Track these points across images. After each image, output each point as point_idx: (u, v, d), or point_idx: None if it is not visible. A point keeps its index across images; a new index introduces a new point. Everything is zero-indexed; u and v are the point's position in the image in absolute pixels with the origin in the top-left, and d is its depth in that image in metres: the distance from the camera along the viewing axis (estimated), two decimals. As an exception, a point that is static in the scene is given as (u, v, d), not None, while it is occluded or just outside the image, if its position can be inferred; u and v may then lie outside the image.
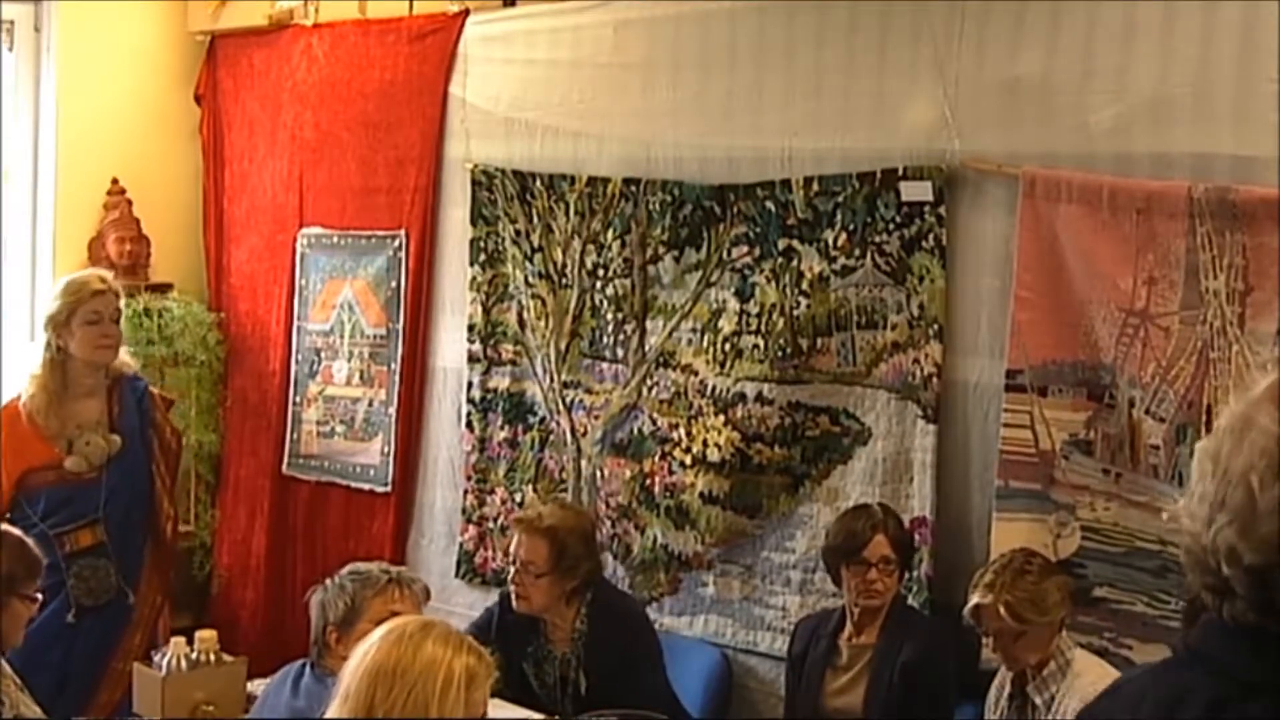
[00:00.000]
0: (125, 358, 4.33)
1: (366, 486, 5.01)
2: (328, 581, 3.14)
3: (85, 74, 5.34)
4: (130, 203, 5.37)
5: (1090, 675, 3.18)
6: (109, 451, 4.14)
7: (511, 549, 3.68)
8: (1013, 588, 3.18)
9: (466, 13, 4.77)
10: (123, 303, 4.27)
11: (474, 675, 2.32)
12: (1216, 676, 1.28)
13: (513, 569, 3.65)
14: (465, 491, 4.73)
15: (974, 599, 3.23)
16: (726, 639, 4.18)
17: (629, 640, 3.66)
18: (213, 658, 3.44)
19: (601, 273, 4.39)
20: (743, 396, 4.09)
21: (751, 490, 4.10)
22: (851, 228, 3.88)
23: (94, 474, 4.12)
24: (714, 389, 4.15)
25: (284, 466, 5.22)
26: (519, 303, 4.59)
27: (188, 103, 5.55)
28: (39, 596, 3.10)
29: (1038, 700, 3.22)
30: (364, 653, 2.33)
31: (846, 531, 3.63)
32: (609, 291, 4.38)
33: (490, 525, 4.67)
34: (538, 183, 4.51)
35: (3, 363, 5.17)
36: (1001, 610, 3.16)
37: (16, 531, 3.18)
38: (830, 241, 3.93)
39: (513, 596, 3.65)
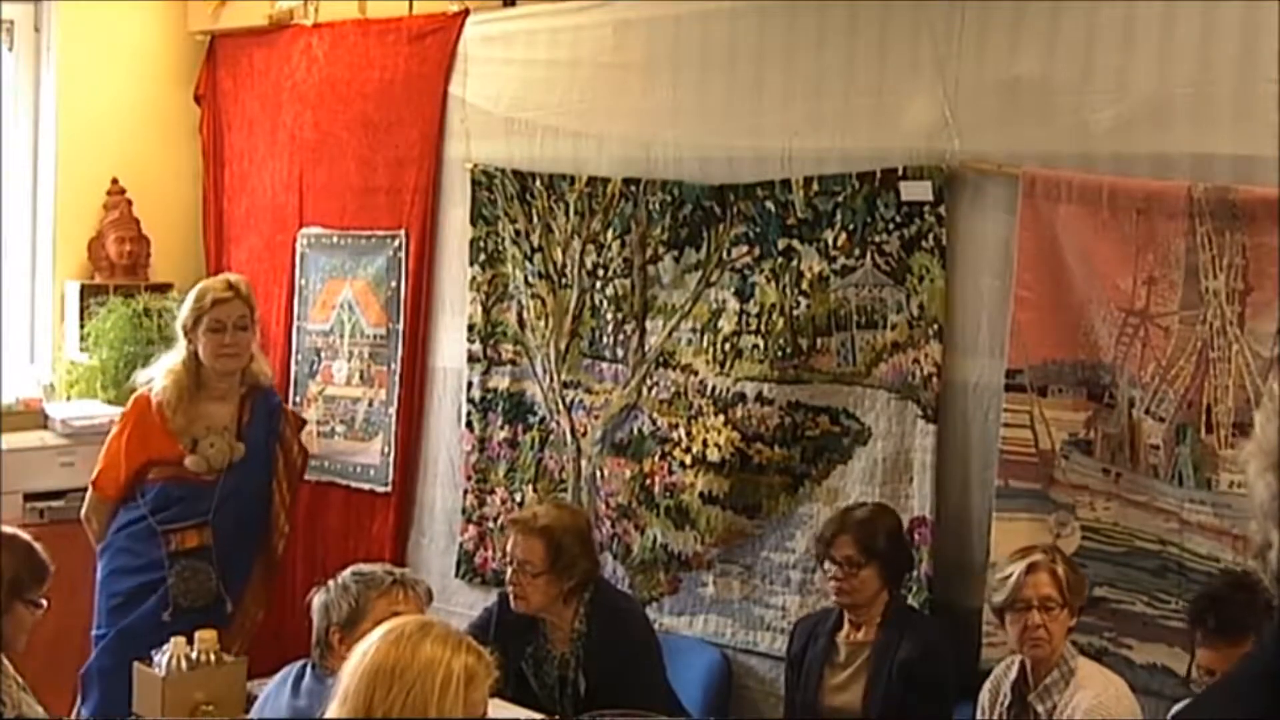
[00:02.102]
0: (265, 369, 4.29)
1: (366, 486, 5.01)
2: (330, 582, 3.14)
3: (85, 74, 5.35)
4: (130, 203, 5.38)
5: (1094, 686, 3.15)
6: (231, 457, 4.11)
7: (508, 549, 3.67)
8: (1058, 560, 3.21)
9: (466, 13, 4.77)
10: (255, 313, 4.19)
11: (473, 675, 2.31)
12: None
13: (510, 569, 3.65)
14: (465, 491, 4.73)
15: (1024, 562, 3.19)
16: (726, 639, 4.18)
17: (628, 640, 3.65)
18: (213, 658, 3.43)
19: (601, 273, 4.39)
20: (743, 396, 4.09)
21: (751, 490, 4.10)
22: (851, 228, 3.88)
23: (211, 477, 4.08)
24: (714, 389, 4.15)
25: (284, 466, 5.21)
26: (519, 303, 4.59)
27: (188, 103, 5.55)
28: (44, 602, 3.08)
29: (1039, 708, 3.19)
30: (362, 653, 2.31)
31: (823, 527, 3.69)
32: (609, 291, 4.38)
33: (490, 525, 4.67)
34: (538, 183, 4.51)
35: (2, 362, 5.18)
36: (1060, 570, 3.17)
37: (25, 536, 3.16)
38: (830, 241, 3.93)
39: (510, 596, 3.65)
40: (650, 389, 4.30)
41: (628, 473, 4.35)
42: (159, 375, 4.13)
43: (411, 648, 2.29)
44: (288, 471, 4.32)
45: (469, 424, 4.72)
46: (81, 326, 5.19)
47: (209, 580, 4.08)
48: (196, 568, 4.06)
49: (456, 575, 4.73)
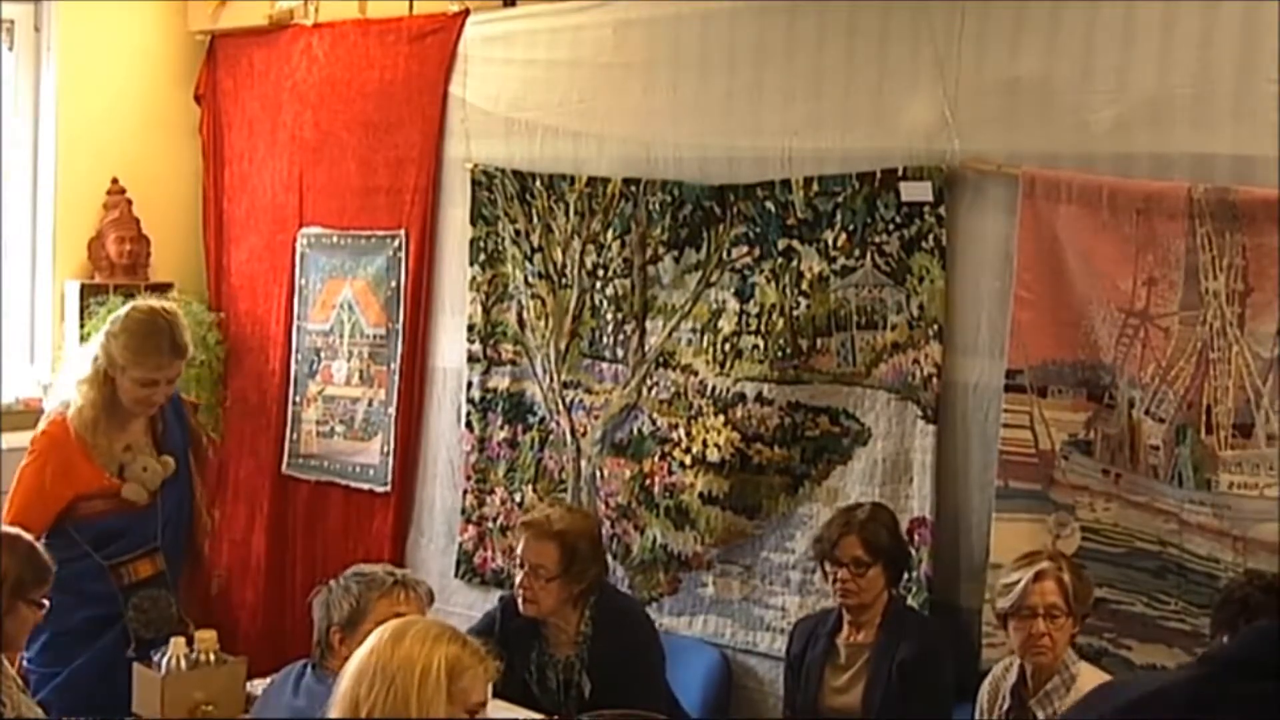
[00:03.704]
0: None
1: (366, 486, 5.01)
2: (332, 582, 3.13)
3: (85, 74, 5.34)
4: (130, 203, 5.38)
5: None
6: (165, 475, 3.86)
7: (519, 552, 3.64)
8: (1066, 566, 3.19)
9: (466, 13, 4.77)
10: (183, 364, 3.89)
11: (455, 664, 2.34)
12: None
13: (520, 573, 3.62)
14: (465, 491, 4.73)
15: (1032, 570, 3.18)
16: (726, 639, 4.18)
17: (634, 641, 3.64)
18: (212, 658, 3.43)
19: (601, 273, 4.39)
20: (743, 396, 4.09)
21: (751, 490, 4.10)
22: (851, 228, 3.88)
23: (148, 500, 3.83)
24: (714, 389, 4.15)
25: (284, 466, 5.22)
26: (519, 303, 4.59)
27: (188, 103, 5.55)
28: (46, 603, 3.08)
29: (1040, 715, 3.18)
30: (354, 658, 2.39)
31: (823, 530, 3.68)
32: (609, 291, 4.38)
33: (490, 525, 4.67)
34: (538, 183, 4.51)
35: (3, 363, 5.18)
36: (1066, 578, 3.15)
37: (27, 536, 3.15)
38: (830, 241, 3.93)
39: (520, 600, 3.61)
40: (650, 389, 4.30)
41: (628, 473, 4.35)
42: (73, 396, 3.78)
43: (392, 646, 2.35)
44: (199, 464, 4.06)
45: (469, 424, 4.72)
46: (81, 326, 5.18)
47: (169, 607, 3.83)
48: (155, 596, 3.82)
49: (456, 575, 4.73)
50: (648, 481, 4.30)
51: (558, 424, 4.52)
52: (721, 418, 4.13)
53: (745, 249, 4.09)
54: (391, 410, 4.94)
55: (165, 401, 3.89)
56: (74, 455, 3.73)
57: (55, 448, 3.75)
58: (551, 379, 4.52)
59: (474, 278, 4.69)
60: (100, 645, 3.77)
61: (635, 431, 4.34)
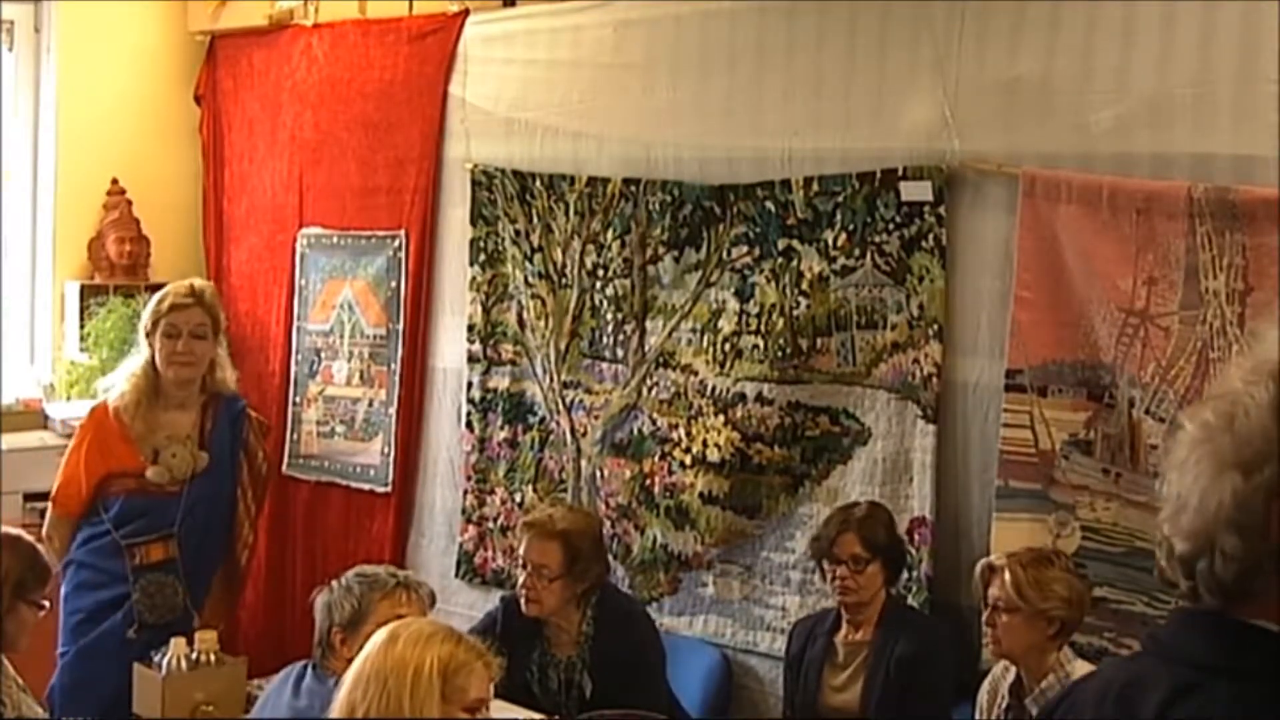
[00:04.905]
0: (226, 376, 4.12)
1: (366, 486, 5.01)
2: (334, 583, 3.14)
3: (85, 74, 5.35)
4: (130, 203, 5.38)
5: None
6: (194, 466, 3.97)
7: (521, 552, 3.64)
8: (1028, 565, 3.19)
9: (466, 13, 4.77)
10: (218, 322, 4.04)
11: (449, 663, 2.38)
12: (1172, 664, 1.33)
13: (522, 573, 3.62)
14: (465, 491, 4.74)
15: (989, 560, 3.25)
16: (726, 639, 4.18)
17: (635, 642, 3.65)
18: (213, 658, 3.44)
19: (601, 273, 4.39)
20: (743, 396, 4.09)
21: (751, 490, 4.10)
22: (851, 228, 3.89)
23: (175, 487, 3.94)
24: (714, 389, 4.15)
25: (284, 466, 5.21)
26: (519, 303, 4.59)
27: (188, 103, 5.55)
28: (46, 604, 3.09)
29: (1034, 712, 3.18)
30: (355, 661, 2.44)
31: (821, 528, 3.69)
32: (609, 291, 4.38)
33: (490, 525, 4.67)
34: (538, 183, 4.51)
35: (3, 363, 5.18)
36: (1006, 576, 3.16)
37: (29, 537, 3.16)
38: (830, 241, 3.93)
39: (522, 600, 3.62)
40: (650, 389, 4.30)
41: (628, 473, 4.35)
42: (118, 382, 4.00)
43: (385, 649, 2.39)
44: (252, 480, 4.18)
45: (469, 424, 4.72)
46: (81, 326, 5.19)
47: (175, 594, 3.93)
48: (162, 581, 3.92)
49: (456, 575, 4.73)
50: (648, 481, 4.30)
51: (558, 424, 4.52)
52: (721, 418, 4.13)
53: (745, 249, 4.09)
54: (392, 410, 4.94)
55: (198, 362, 3.99)
56: (110, 434, 3.95)
57: (94, 426, 3.99)
58: (551, 379, 4.52)
59: (474, 278, 4.69)
60: (109, 624, 3.89)
61: (635, 431, 4.34)
